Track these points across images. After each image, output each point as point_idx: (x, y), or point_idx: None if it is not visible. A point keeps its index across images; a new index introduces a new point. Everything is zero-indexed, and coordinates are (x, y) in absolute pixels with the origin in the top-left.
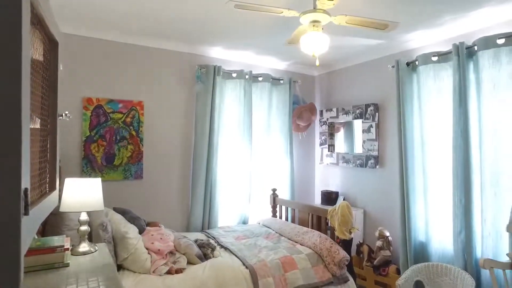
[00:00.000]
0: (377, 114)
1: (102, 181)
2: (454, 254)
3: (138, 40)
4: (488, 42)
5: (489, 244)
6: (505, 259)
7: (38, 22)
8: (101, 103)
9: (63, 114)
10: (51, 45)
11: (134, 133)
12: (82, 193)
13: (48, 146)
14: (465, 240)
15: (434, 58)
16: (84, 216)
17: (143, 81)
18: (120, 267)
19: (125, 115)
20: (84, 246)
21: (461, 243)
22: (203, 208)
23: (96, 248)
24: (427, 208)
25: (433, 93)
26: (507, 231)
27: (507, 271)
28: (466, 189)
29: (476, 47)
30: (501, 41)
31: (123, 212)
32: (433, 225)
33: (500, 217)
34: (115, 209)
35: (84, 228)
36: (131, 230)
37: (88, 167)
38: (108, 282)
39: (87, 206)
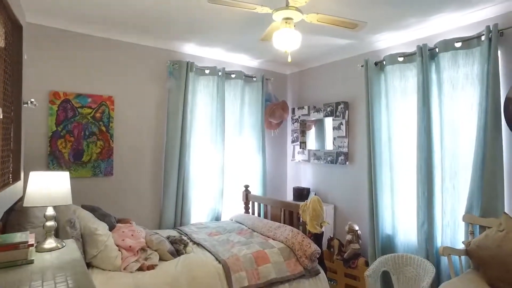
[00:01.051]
0: (347, 112)
1: (70, 178)
2: (418, 244)
3: (108, 33)
4: (447, 45)
5: (448, 233)
6: (461, 246)
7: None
8: (69, 97)
9: (29, 102)
10: (14, 29)
11: (104, 128)
12: (48, 187)
13: (11, 135)
14: (428, 231)
15: (400, 59)
16: (50, 211)
17: (113, 76)
18: (88, 266)
19: (94, 110)
20: (50, 242)
21: (424, 234)
22: (175, 205)
23: (64, 244)
24: (393, 202)
25: (399, 92)
26: (463, 221)
27: (462, 257)
28: (428, 183)
29: (437, 49)
30: (458, 45)
31: (92, 210)
32: (399, 218)
33: (457, 208)
34: (83, 207)
35: (50, 223)
36: (101, 227)
37: (54, 164)
38: (77, 277)
39: (53, 201)
